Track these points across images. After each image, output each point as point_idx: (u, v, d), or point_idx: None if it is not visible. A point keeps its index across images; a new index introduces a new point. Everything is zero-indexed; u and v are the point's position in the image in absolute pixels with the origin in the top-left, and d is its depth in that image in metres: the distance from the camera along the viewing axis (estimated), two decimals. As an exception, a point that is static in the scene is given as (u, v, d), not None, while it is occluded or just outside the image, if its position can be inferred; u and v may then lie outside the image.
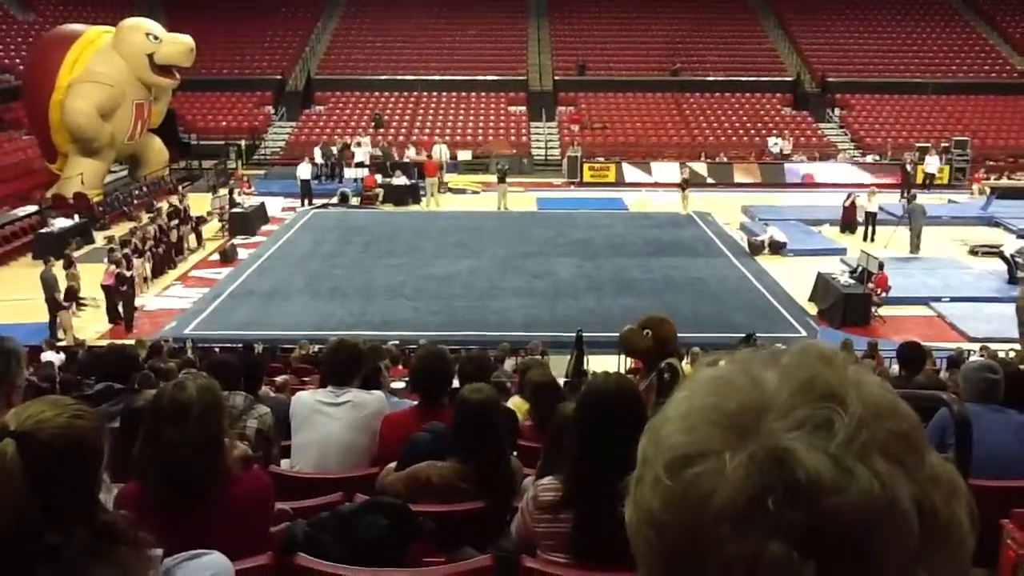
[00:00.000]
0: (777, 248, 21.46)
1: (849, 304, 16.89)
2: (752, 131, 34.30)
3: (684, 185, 26.63)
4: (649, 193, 29.12)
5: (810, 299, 18.08)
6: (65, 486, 1.58)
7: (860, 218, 23.35)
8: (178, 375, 8.43)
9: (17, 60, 32.97)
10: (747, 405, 0.70)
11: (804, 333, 16.21)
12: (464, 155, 32.36)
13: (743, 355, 0.77)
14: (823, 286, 17.81)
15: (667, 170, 30.42)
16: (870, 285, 17.36)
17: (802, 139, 33.68)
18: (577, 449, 2.64)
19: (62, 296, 16.22)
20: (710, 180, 30.45)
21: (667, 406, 0.76)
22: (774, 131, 33.54)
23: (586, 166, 30.90)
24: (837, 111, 35.99)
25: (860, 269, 17.96)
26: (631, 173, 30.71)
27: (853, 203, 23.50)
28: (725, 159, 31.78)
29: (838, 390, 0.70)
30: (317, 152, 30.52)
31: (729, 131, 34.50)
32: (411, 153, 30.62)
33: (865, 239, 22.64)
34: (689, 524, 0.68)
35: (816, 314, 17.45)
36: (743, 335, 12.82)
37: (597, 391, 2.71)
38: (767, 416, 0.69)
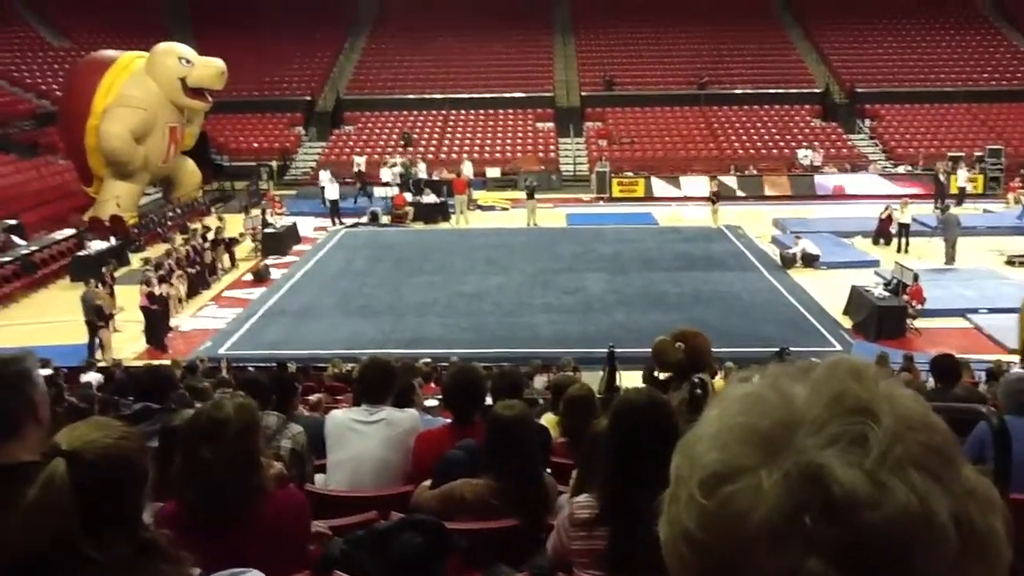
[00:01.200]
0: (810, 261, 21.29)
1: (884, 317, 16.71)
2: (781, 143, 34.13)
3: (714, 199, 26.52)
4: (679, 207, 29.04)
5: (844, 312, 17.90)
6: (109, 504, 1.62)
7: (893, 229, 23.12)
8: (213, 395, 8.53)
9: (53, 86, 33.64)
10: (779, 422, 0.70)
11: (838, 347, 16.05)
12: (493, 172, 32.49)
13: (773, 371, 0.77)
14: (857, 299, 17.63)
15: (696, 184, 30.34)
16: (905, 297, 17.16)
17: (832, 150, 33.44)
18: (610, 465, 2.64)
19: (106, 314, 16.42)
20: (740, 193, 30.32)
21: (699, 424, 0.76)
22: (804, 143, 33.34)
23: (615, 181, 30.89)
24: (867, 122, 35.73)
25: (894, 281, 17.77)
26: (660, 187, 30.65)
27: (890, 216, 23.28)
28: (755, 172, 31.63)
29: (870, 404, 0.70)
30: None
31: (758, 144, 34.35)
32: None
33: (899, 251, 22.41)
34: (725, 542, 0.68)
35: (850, 327, 17.27)
36: (776, 349, 12.71)
37: (629, 406, 2.71)
38: (799, 432, 0.69)
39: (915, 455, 0.68)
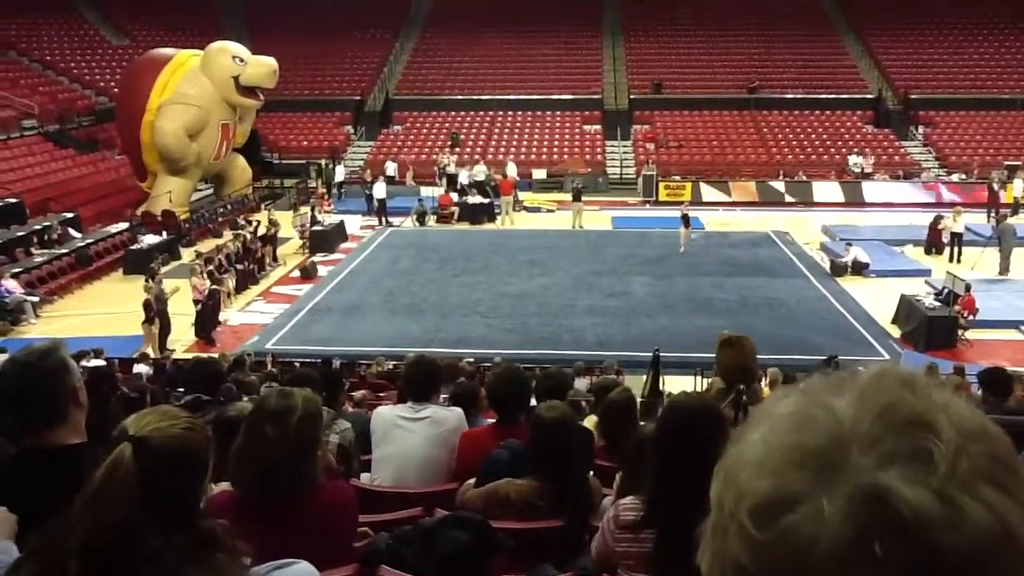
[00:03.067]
0: (859, 269, 20.98)
1: (933, 327, 16.41)
2: (832, 149, 33.68)
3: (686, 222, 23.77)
4: (726, 212, 28.81)
5: (893, 321, 17.62)
6: (172, 492, 1.67)
7: (945, 239, 22.70)
8: (260, 389, 8.66)
9: (112, 83, 34.38)
10: (829, 440, 0.66)
11: (886, 356, 15.79)
12: (539, 174, 32.52)
13: (812, 385, 0.73)
14: (907, 308, 17.33)
15: (744, 189, 30.10)
16: (956, 307, 16.83)
17: (884, 157, 32.91)
18: (659, 468, 2.64)
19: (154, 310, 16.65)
20: (789, 199, 29.99)
21: (740, 448, 0.71)
22: (855, 149, 32.86)
23: (662, 185, 30.72)
24: (920, 128, 35.08)
25: (946, 291, 17.44)
26: (708, 192, 30.42)
27: (941, 224, 22.86)
28: (804, 177, 31.25)
29: (925, 416, 0.66)
30: (390, 166, 31.26)
31: (808, 149, 33.93)
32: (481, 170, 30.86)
33: (951, 260, 22.00)
34: (785, 575, 0.64)
35: (899, 337, 16.99)
36: (824, 357, 12.56)
37: (679, 410, 2.71)
38: (851, 450, 0.65)
39: (982, 468, 0.64)
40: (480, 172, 30.77)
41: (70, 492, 1.65)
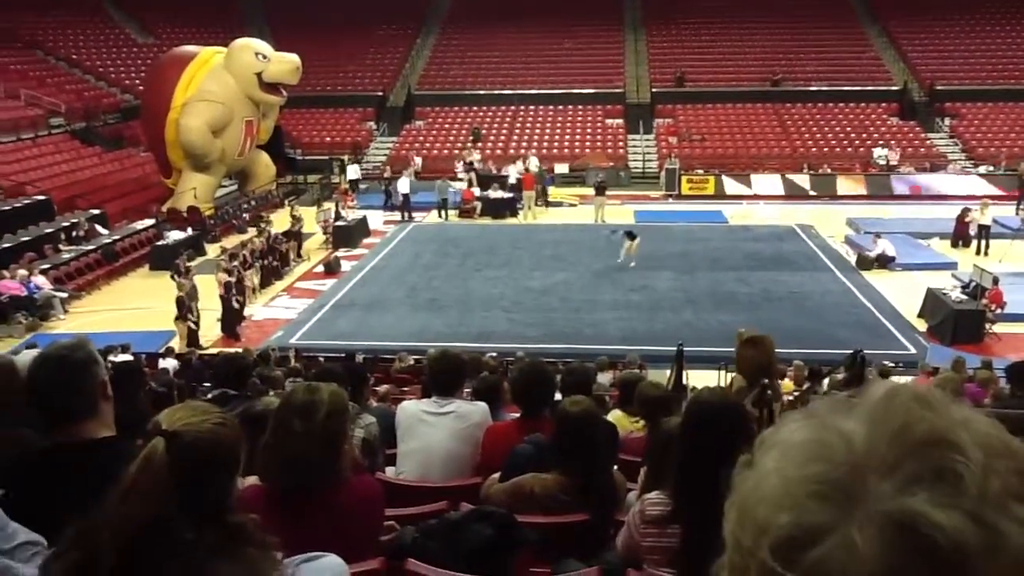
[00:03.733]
0: (885, 262, 20.80)
1: (961, 320, 16.25)
2: (857, 142, 33.40)
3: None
4: (750, 205, 28.65)
5: (919, 315, 17.46)
6: (203, 487, 1.69)
7: (973, 231, 22.45)
8: (284, 383, 8.72)
9: (137, 81, 34.71)
10: (845, 467, 0.63)
11: (913, 350, 15.66)
12: (561, 168, 32.46)
13: (821, 409, 0.69)
14: (933, 301, 17.17)
15: (768, 182, 29.92)
16: (983, 301, 16.65)
17: (909, 149, 32.59)
18: (684, 463, 2.64)
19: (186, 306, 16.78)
20: (812, 192, 29.78)
21: (753, 482, 0.67)
22: (880, 142, 32.57)
23: (684, 178, 30.59)
24: (947, 120, 34.69)
25: (973, 284, 17.25)
26: (731, 185, 30.26)
27: (968, 217, 22.61)
28: (828, 170, 31.01)
29: (947, 434, 0.63)
30: (418, 161, 31.39)
31: (832, 142, 33.67)
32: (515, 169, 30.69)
33: (978, 253, 21.76)
34: None
35: (925, 331, 16.84)
36: (850, 352, 12.44)
37: (703, 405, 2.71)
38: (868, 477, 0.62)
39: (1012, 486, 0.61)
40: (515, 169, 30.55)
41: (102, 485, 1.68)
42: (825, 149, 33.19)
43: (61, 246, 21.62)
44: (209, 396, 6.49)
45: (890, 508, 0.60)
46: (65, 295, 19.06)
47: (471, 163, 31.52)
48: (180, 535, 1.64)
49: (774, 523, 0.63)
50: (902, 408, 0.65)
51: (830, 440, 0.65)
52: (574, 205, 29.25)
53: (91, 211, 24.42)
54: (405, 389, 10.29)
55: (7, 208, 22.71)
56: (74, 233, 22.44)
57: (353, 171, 31.96)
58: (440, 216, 27.83)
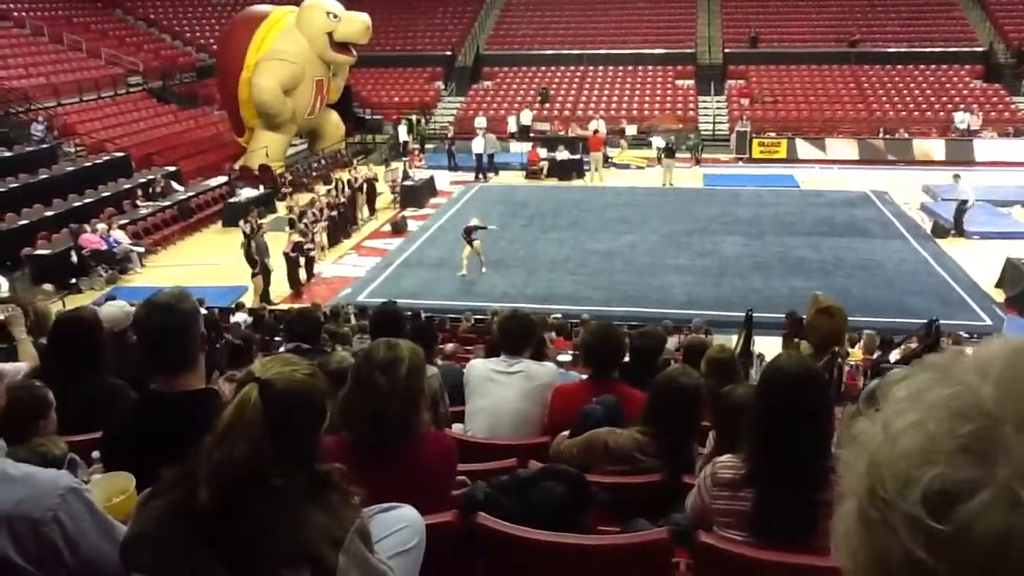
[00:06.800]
0: (961, 214, 20.09)
1: (1041, 292, 15.73)
2: (937, 106, 32.25)
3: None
4: (823, 170, 27.98)
5: (997, 285, 16.94)
6: (294, 434, 1.76)
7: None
8: (352, 339, 8.87)
9: (212, 40, 35.21)
10: (985, 422, 0.64)
11: (988, 321, 15.22)
12: (630, 130, 32.08)
13: (942, 364, 0.70)
14: (1012, 272, 16.63)
15: (843, 147, 29.16)
16: (1067, 272, 16.08)
17: (993, 114, 31.36)
18: (759, 428, 2.64)
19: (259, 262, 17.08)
20: (889, 156, 28.95)
21: (884, 436, 0.67)
22: (961, 105, 31.40)
23: (755, 142, 29.99)
24: (1035, 83, 33.27)
25: (1056, 254, 16.67)
26: (804, 149, 29.57)
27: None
28: (906, 135, 30.07)
29: None
30: (483, 120, 31.32)
31: (911, 105, 32.58)
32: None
33: (1063, 222, 20.98)
34: (972, 567, 0.61)
35: (1003, 302, 16.34)
36: (924, 321, 12.16)
37: (781, 371, 2.69)
38: (1006, 430, 0.63)
39: None
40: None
41: (201, 434, 1.75)
42: (903, 113, 32.14)
43: (139, 202, 22.21)
44: (282, 350, 6.65)
45: None
46: (142, 249, 19.62)
47: (526, 125, 31.27)
48: (272, 480, 1.71)
49: (922, 477, 0.63)
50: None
51: (965, 396, 0.66)
52: (642, 167, 28.93)
53: (167, 168, 24.98)
54: (469, 348, 10.40)
55: (88, 165, 23.39)
56: (151, 189, 23.00)
57: (403, 132, 31.99)
58: (479, 178, 27.59)
